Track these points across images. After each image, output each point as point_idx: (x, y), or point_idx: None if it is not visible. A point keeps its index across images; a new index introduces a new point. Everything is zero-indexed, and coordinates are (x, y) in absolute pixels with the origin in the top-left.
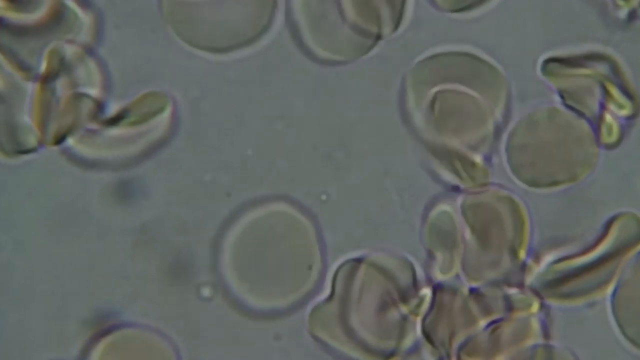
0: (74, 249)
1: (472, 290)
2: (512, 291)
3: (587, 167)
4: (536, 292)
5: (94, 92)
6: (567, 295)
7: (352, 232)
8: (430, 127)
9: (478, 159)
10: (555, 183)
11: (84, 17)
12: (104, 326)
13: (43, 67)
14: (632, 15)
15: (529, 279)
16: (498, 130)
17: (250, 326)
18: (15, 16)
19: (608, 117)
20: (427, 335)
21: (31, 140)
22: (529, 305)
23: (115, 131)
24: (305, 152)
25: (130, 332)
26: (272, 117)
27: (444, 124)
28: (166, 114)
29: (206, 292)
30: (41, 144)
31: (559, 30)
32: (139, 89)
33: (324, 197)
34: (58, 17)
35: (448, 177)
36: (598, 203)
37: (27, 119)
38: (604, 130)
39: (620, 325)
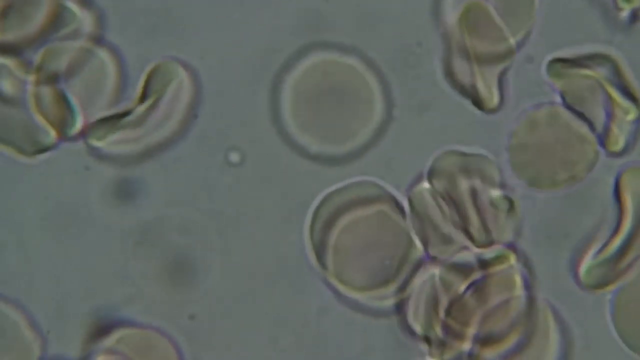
0: (74, 249)
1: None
2: (484, 250)
3: (588, 167)
4: (510, 246)
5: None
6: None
7: None
8: (457, 30)
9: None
10: (555, 183)
11: (83, 15)
12: (104, 326)
13: (44, 67)
14: (634, 17)
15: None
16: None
17: (249, 325)
18: (14, 23)
19: (614, 126)
20: (427, 339)
21: (49, 138)
22: (506, 259)
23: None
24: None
25: (131, 332)
26: (273, 117)
27: (472, 29)
28: (181, 79)
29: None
30: (60, 139)
31: (561, 31)
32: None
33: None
34: (57, 18)
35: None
36: (598, 203)
37: (39, 118)
38: (611, 139)
39: (618, 330)
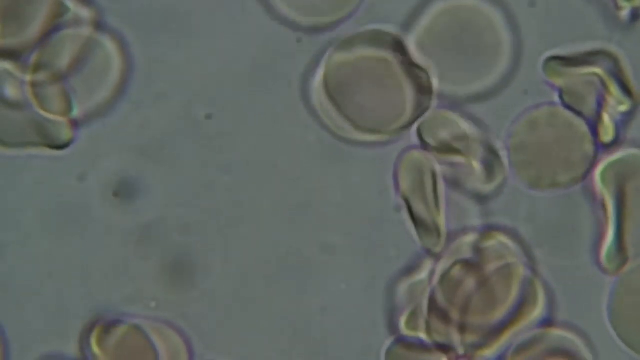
0: (74, 249)
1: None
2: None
3: (588, 167)
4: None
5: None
6: None
7: None
8: None
9: None
10: (556, 184)
11: (79, 10)
12: (104, 325)
13: (41, 60)
14: (634, 16)
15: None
16: None
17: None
18: (15, 25)
19: (605, 116)
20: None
21: (65, 134)
22: (493, 237)
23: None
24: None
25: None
26: (273, 119)
27: None
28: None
29: None
30: (75, 130)
31: (560, 29)
32: (141, 88)
33: None
34: (57, 18)
35: None
36: (597, 203)
37: (51, 115)
38: (601, 129)
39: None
